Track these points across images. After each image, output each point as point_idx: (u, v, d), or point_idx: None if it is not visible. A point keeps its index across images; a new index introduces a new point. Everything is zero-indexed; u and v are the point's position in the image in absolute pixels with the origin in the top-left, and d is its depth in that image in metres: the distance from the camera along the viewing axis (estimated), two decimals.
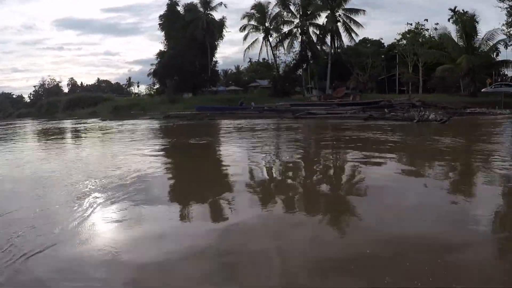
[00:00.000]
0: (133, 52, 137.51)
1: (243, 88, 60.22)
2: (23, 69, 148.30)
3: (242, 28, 44.60)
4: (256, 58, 58.05)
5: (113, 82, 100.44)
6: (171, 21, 45.62)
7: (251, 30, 44.45)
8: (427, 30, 43.65)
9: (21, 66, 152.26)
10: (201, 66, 46.94)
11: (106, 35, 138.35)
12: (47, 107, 59.58)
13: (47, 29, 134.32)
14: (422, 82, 44.00)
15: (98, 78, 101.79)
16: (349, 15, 39.61)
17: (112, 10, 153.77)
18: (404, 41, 43.96)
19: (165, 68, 45.48)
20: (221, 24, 46.16)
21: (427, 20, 48.19)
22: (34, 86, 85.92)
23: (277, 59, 46.54)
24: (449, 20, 46.68)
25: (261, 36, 44.46)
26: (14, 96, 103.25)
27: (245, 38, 44.58)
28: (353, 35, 40.29)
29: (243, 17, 44.57)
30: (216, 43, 47.39)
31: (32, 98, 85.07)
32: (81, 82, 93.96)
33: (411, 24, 43.29)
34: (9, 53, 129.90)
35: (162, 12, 46.98)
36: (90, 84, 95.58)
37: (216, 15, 46.16)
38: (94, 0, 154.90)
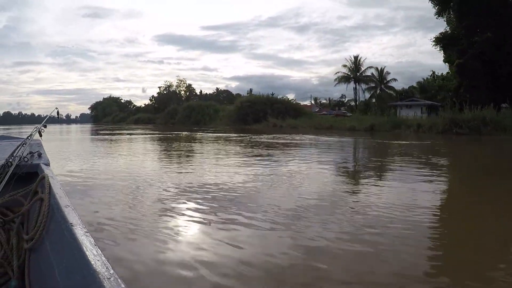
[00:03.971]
0: (230, 69, 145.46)
1: None
2: (125, 79, 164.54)
3: None
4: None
5: (234, 93, 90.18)
6: None
7: None
8: None
9: (123, 77, 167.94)
10: None
11: (204, 51, 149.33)
12: (186, 114, 50.28)
13: (148, 44, 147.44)
14: None
15: (217, 88, 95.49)
16: None
17: (211, 28, 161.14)
18: None
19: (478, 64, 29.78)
20: None
21: None
22: (159, 87, 78.29)
23: None
24: None
25: None
26: (122, 101, 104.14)
27: None
28: None
29: None
30: None
31: (153, 102, 78.38)
32: (200, 91, 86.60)
33: None
34: (112, 64, 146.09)
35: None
36: (209, 93, 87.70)
37: None
38: (193, 18, 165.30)
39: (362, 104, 55.89)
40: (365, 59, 56.06)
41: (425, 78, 63.96)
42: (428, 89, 56.92)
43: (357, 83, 54.37)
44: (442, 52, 35.04)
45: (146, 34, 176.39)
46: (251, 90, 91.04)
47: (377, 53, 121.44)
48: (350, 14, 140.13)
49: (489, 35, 29.34)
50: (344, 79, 54.37)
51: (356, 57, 54.15)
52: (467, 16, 30.72)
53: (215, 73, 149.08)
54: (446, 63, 37.47)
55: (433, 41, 34.59)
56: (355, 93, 55.71)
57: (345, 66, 54.46)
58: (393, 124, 28.55)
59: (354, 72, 53.65)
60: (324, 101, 78.50)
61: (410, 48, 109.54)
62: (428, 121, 27.89)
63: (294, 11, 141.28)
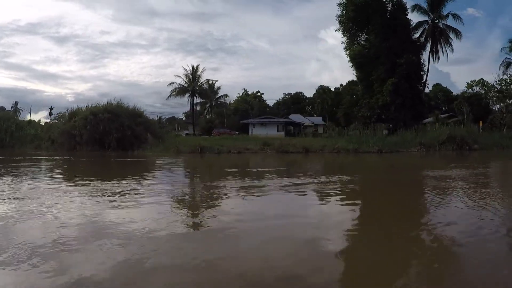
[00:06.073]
0: None
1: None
2: None
3: None
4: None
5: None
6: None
7: None
8: None
9: None
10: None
11: None
12: None
13: None
14: None
15: None
16: None
17: None
18: None
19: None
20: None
21: None
22: None
23: None
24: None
25: None
26: None
27: None
28: None
29: None
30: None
31: None
32: None
33: None
34: None
35: None
36: None
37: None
38: None
39: (203, 122, 51.31)
40: (203, 69, 51.25)
41: (238, 97, 66.74)
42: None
43: (193, 97, 48.66)
44: (354, 69, 37.15)
45: None
46: (16, 103, 73.65)
47: (136, 72, 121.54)
48: (113, 30, 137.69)
49: (414, 58, 33.66)
50: (182, 91, 47.94)
51: (194, 68, 48.72)
52: (389, 39, 33.55)
53: None
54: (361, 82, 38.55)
55: (350, 56, 36.61)
56: (192, 108, 49.64)
57: (182, 76, 48.61)
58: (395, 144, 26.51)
59: (192, 83, 47.88)
60: None
61: (168, 69, 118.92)
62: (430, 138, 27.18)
63: (56, 19, 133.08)
